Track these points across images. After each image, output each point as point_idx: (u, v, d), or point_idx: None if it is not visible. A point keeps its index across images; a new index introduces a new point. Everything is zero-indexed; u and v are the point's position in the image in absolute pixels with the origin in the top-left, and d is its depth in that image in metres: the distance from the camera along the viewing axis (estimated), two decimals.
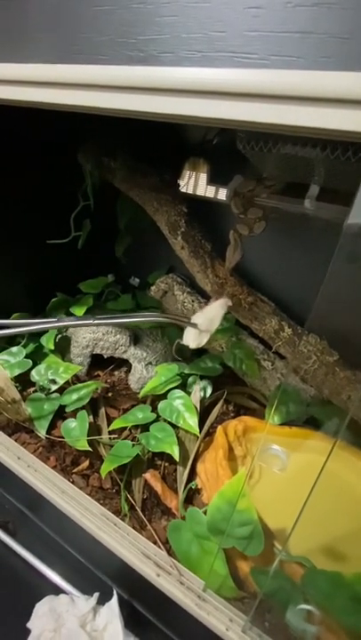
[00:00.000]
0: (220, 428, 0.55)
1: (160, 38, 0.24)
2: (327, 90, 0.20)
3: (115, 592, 0.40)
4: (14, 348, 0.64)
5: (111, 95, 0.26)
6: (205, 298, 0.72)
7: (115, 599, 0.39)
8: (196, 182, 0.72)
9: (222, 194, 0.69)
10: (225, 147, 0.61)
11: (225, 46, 0.22)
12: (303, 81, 0.20)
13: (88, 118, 0.35)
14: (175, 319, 0.59)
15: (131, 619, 0.39)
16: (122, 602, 0.40)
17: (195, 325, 0.54)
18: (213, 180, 0.70)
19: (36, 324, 0.52)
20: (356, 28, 0.19)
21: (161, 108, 0.24)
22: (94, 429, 0.55)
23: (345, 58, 0.20)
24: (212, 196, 0.71)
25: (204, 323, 0.54)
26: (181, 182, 0.71)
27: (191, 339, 0.55)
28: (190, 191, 0.72)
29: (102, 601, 0.40)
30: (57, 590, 0.41)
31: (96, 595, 0.40)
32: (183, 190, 0.71)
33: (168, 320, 0.62)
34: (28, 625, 0.38)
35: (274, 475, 0.51)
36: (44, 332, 0.68)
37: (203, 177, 0.71)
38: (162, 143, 0.65)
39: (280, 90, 0.21)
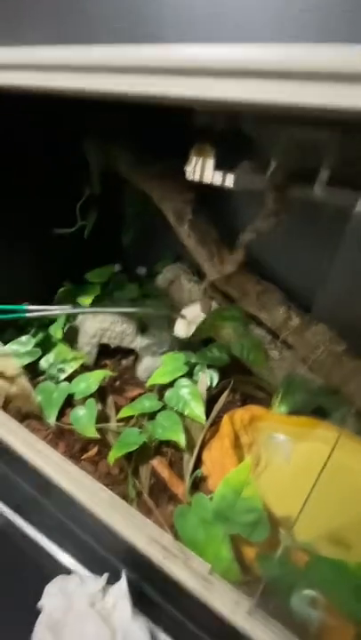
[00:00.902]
0: (226, 416, 0.56)
1: (162, 15, 0.23)
2: (334, 65, 0.19)
3: (123, 574, 0.41)
4: (23, 338, 0.65)
5: (114, 77, 0.25)
6: (212, 286, 0.72)
7: (124, 579, 0.40)
8: (202, 169, 0.70)
9: (229, 181, 0.67)
10: (232, 132, 0.60)
11: (231, 22, 0.21)
12: (308, 56, 0.19)
13: (94, 106, 0.34)
14: (167, 312, 0.68)
15: (140, 599, 0.41)
16: (131, 583, 0.41)
17: (183, 317, 0.63)
18: (221, 166, 0.68)
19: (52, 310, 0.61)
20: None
21: (162, 89, 0.24)
22: (102, 417, 0.56)
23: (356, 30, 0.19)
24: (219, 182, 0.69)
25: (191, 315, 0.63)
26: (187, 170, 0.70)
27: (181, 329, 0.63)
28: (197, 178, 0.70)
29: (111, 582, 0.41)
30: (67, 571, 0.43)
31: (105, 575, 0.42)
32: (190, 178, 0.70)
33: (163, 313, 0.70)
34: (39, 604, 0.39)
35: (280, 463, 0.52)
36: (52, 321, 0.69)
37: (210, 163, 0.69)
38: (168, 130, 0.64)
39: (290, 66, 0.20)
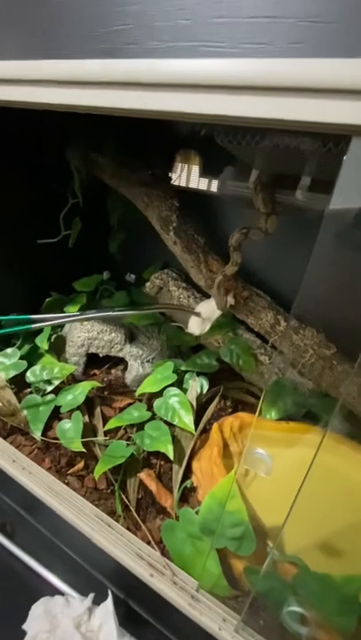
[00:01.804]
0: (215, 425, 0.55)
1: (124, 29, 0.23)
2: (299, 78, 0.18)
3: (110, 592, 0.41)
4: (9, 350, 0.64)
5: (77, 91, 0.25)
6: (201, 293, 0.71)
7: (110, 599, 0.40)
8: (187, 175, 0.70)
9: (214, 186, 0.67)
10: (215, 139, 0.60)
11: (191, 35, 0.21)
12: (274, 70, 0.19)
13: (74, 114, 0.33)
14: (182, 308, 0.66)
15: (126, 618, 0.40)
16: (117, 601, 0.40)
17: (198, 314, 0.61)
18: (205, 172, 0.68)
19: (59, 318, 0.57)
20: (326, 9, 0.18)
21: (128, 103, 0.23)
22: (90, 429, 0.55)
23: (316, 43, 0.18)
24: (204, 188, 0.69)
25: (207, 312, 0.61)
26: (172, 176, 0.70)
27: (195, 326, 0.61)
28: (182, 184, 0.70)
29: (98, 601, 0.41)
30: (53, 591, 0.42)
31: (91, 595, 0.41)
32: (174, 184, 0.70)
33: (176, 309, 0.69)
34: (24, 626, 0.38)
35: (267, 476, 0.51)
36: (38, 332, 0.68)
37: (194, 170, 0.69)
38: (151, 137, 0.63)
39: (250, 80, 0.19)
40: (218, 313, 0.60)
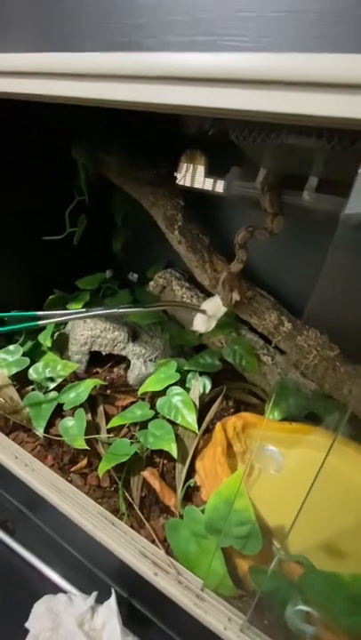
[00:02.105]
0: (218, 424, 0.55)
1: (142, 23, 0.23)
2: (323, 73, 0.18)
3: (113, 591, 0.40)
4: (12, 347, 0.63)
5: (94, 84, 0.25)
6: (204, 292, 0.71)
7: (113, 598, 0.39)
8: (193, 175, 0.70)
9: (220, 186, 0.67)
10: (222, 138, 0.60)
11: (210, 29, 0.21)
12: (296, 64, 0.19)
13: (82, 112, 0.33)
14: (187, 306, 0.66)
15: (130, 617, 0.39)
16: (121, 600, 0.40)
17: (203, 311, 0.61)
18: (211, 172, 0.68)
19: (64, 315, 0.56)
20: (353, 3, 0.18)
21: (145, 96, 0.23)
22: (93, 427, 0.55)
23: (341, 38, 0.18)
24: (210, 188, 0.69)
25: (212, 309, 0.60)
26: (178, 175, 0.70)
27: (200, 324, 0.61)
28: (187, 184, 0.70)
29: (101, 600, 0.40)
30: (56, 589, 0.41)
31: (94, 594, 0.40)
32: (180, 183, 0.70)
33: (181, 306, 0.69)
34: (27, 625, 0.38)
35: (275, 474, 0.51)
36: (41, 329, 0.67)
37: (200, 169, 0.69)
38: (157, 136, 0.64)
39: (272, 75, 0.19)
40: (223, 310, 0.60)
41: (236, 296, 0.58)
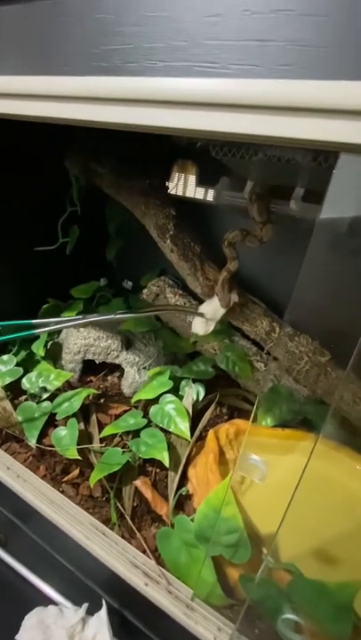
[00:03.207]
0: (211, 432, 0.55)
1: (123, 48, 0.24)
2: (288, 99, 0.19)
3: (104, 602, 0.40)
4: (5, 357, 0.64)
5: (77, 106, 0.26)
6: (197, 300, 0.72)
7: (104, 609, 0.39)
8: (184, 185, 0.71)
9: (211, 196, 0.68)
10: (210, 151, 0.61)
11: (186, 55, 0.22)
12: (263, 90, 0.20)
13: (66, 124, 0.34)
14: (185, 310, 0.67)
15: (120, 628, 0.39)
16: (112, 611, 0.40)
17: (202, 314, 0.61)
18: (202, 182, 0.70)
19: (60, 322, 0.56)
20: (316, 35, 0.19)
21: (126, 118, 0.24)
22: (85, 437, 0.55)
23: (305, 66, 0.19)
24: (200, 198, 0.70)
25: (210, 312, 0.60)
26: (169, 185, 0.71)
27: (199, 327, 0.61)
28: (179, 193, 0.71)
29: (92, 611, 0.40)
30: (47, 601, 0.41)
31: (85, 605, 0.40)
32: (172, 193, 0.71)
33: (178, 310, 0.69)
34: (17, 637, 0.38)
35: (262, 483, 0.51)
36: (34, 338, 0.68)
37: (191, 179, 0.71)
38: (149, 147, 0.65)
39: (241, 99, 0.20)
40: (222, 312, 0.59)
41: (235, 297, 0.58)
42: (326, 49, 0.19)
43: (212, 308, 0.60)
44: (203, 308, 0.61)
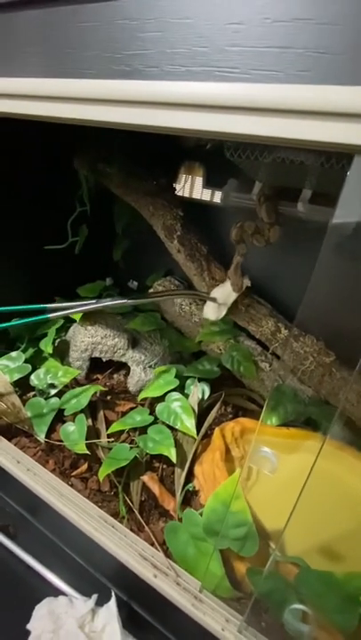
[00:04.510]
0: (217, 429, 0.56)
1: (145, 53, 0.25)
2: (306, 103, 0.20)
3: (113, 593, 0.41)
4: (14, 353, 0.65)
5: (98, 108, 0.27)
6: (202, 300, 0.73)
7: (113, 600, 0.40)
8: (192, 186, 0.72)
9: (218, 197, 0.69)
10: (220, 151, 0.62)
11: (207, 61, 0.23)
12: (282, 94, 0.21)
13: (85, 125, 0.35)
14: (196, 294, 0.67)
15: (129, 619, 0.40)
16: (120, 603, 0.40)
17: (214, 299, 0.61)
18: (209, 183, 0.71)
19: (73, 307, 0.57)
20: (333, 42, 0.20)
21: (146, 120, 0.25)
22: (93, 433, 0.56)
23: (322, 72, 0.20)
24: (208, 199, 0.71)
25: (222, 297, 0.61)
26: (177, 186, 0.72)
27: (211, 312, 0.62)
28: (186, 195, 0.72)
29: (101, 602, 0.41)
30: (56, 592, 0.42)
31: (95, 596, 0.41)
32: (179, 194, 0.72)
33: (190, 295, 0.69)
34: (28, 626, 0.38)
35: (271, 476, 0.52)
36: (42, 336, 0.69)
37: (199, 181, 0.72)
38: (158, 148, 0.66)
39: (260, 103, 0.21)
40: (233, 296, 0.60)
41: (247, 281, 0.59)
42: (342, 56, 0.20)
43: (225, 293, 0.61)
44: (215, 293, 0.62)
